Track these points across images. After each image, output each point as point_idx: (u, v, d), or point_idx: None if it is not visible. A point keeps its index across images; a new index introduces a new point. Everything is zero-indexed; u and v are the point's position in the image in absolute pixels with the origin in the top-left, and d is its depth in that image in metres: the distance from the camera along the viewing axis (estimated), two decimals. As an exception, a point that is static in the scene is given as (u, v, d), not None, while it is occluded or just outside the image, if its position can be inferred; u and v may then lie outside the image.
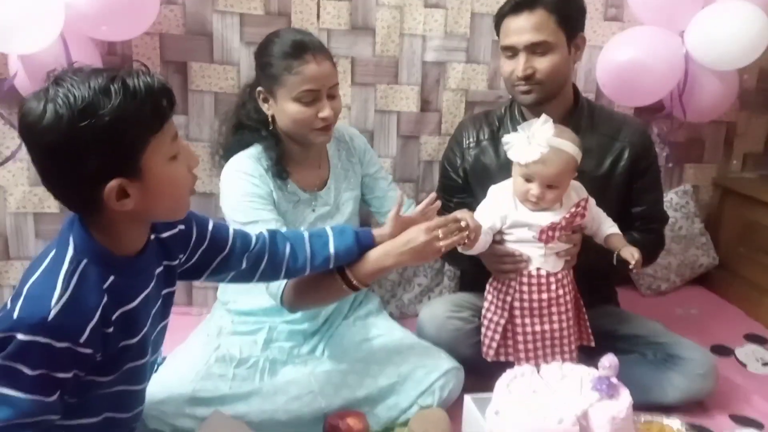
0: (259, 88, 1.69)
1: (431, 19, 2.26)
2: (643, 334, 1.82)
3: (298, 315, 1.75)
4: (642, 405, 1.57)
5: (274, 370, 1.68)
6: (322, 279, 1.55)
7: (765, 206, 2.40)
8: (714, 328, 2.25)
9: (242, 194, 1.64)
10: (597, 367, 1.37)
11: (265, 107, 1.70)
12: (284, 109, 1.65)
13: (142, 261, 1.18)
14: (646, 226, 1.85)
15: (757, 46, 2.11)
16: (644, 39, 2.19)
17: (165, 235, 1.26)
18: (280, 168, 1.70)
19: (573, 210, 1.56)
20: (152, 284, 1.21)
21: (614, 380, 1.36)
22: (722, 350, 2.09)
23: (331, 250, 1.48)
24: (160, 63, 2.14)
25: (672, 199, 2.51)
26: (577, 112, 1.81)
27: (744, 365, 2.03)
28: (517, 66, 1.70)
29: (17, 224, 2.18)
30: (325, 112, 1.64)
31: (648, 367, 1.75)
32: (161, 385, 1.50)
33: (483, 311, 1.67)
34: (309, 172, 1.80)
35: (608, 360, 1.36)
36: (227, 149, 1.78)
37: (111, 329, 1.11)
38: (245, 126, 1.76)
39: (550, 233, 1.55)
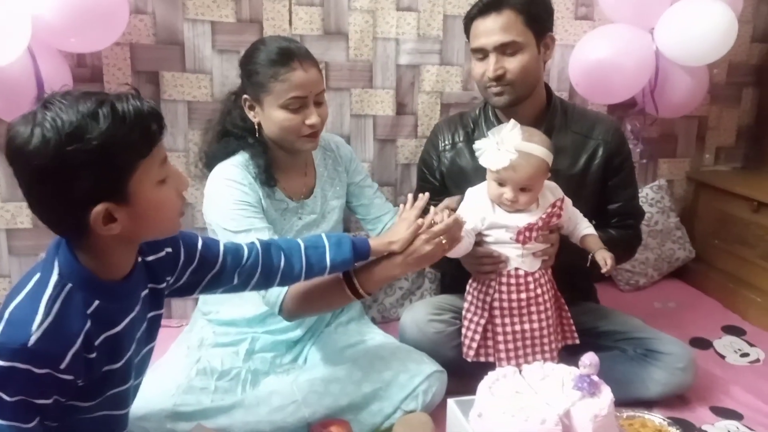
0: (245, 96, 1.68)
1: (404, 23, 2.26)
2: (623, 330, 1.83)
3: (281, 325, 1.75)
4: (624, 401, 1.58)
5: (256, 381, 1.67)
6: (327, 287, 1.54)
7: (738, 198, 2.43)
8: (692, 320, 2.27)
9: (233, 202, 1.62)
10: (578, 366, 1.38)
11: (251, 115, 1.69)
12: (271, 117, 1.64)
13: (129, 284, 1.16)
14: (622, 222, 1.87)
15: (726, 41, 2.14)
16: (615, 37, 2.21)
17: (151, 258, 1.23)
18: (269, 175, 1.69)
19: (549, 210, 1.57)
20: (138, 307, 1.19)
21: (595, 378, 1.37)
22: (701, 343, 2.12)
23: (328, 262, 1.46)
24: (131, 73, 2.11)
25: (647, 194, 2.54)
26: (550, 112, 1.82)
27: (723, 357, 2.05)
28: (488, 67, 1.71)
29: (-10, 241, 2.15)
30: (312, 119, 1.63)
31: (628, 363, 1.76)
32: (141, 401, 1.45)
33: (463, 312, 1.68)
34: (295, 179, 1.79)
35: (589, 358, 1.36)
36: (211, 157, 1.76)
37: (94, 354, 1.09)
38: (231, 133, 1.74)
39: (527, 234, 1.56)
